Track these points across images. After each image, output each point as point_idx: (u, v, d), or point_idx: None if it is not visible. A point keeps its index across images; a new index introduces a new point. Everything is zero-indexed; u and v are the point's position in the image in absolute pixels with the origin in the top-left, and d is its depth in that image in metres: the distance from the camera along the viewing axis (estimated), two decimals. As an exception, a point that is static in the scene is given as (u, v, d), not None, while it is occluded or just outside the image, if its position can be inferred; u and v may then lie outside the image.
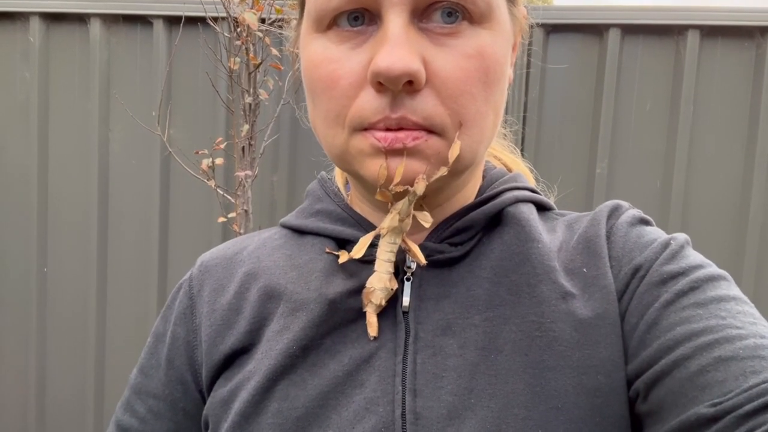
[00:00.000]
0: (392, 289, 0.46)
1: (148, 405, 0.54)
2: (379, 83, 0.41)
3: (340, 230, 0.52)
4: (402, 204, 0.45)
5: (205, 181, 1.62)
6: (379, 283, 0.46)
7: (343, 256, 0.49)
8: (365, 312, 0.47)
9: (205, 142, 1.78)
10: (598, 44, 1.93)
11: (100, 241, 2.05)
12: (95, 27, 1.99)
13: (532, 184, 0.57)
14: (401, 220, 0.45)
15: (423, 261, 0.47)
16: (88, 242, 2.05)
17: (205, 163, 1.58)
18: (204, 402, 0.52)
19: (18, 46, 2.02)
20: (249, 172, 1.56)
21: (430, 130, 0.42)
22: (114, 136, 2.04)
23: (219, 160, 1.62)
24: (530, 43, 1.90)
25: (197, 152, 1.65)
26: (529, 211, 0.51)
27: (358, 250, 0.48)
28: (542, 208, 0.55)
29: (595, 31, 1.92)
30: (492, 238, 0.50)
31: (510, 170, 0.59)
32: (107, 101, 2.02)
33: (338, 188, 0.56)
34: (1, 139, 2.06)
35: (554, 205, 0.56)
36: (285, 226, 0.56)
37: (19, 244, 2.08)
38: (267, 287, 0.51)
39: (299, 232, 0.55)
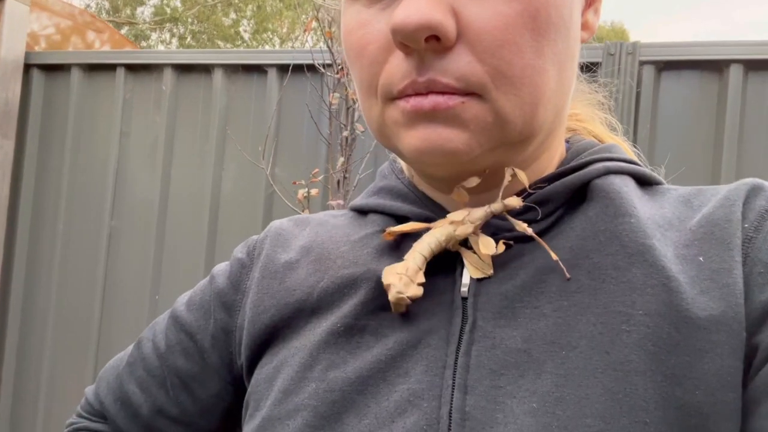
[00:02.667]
0: (413, 294, 0.41)
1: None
2: (403, 43, 0.36)
3: (399, 206, 0.48)
4: (479, 212, 0.41)
5: (299, 211, 1.67)
6: (397, 278, 0.40)
7: (387, 233, 0.45)
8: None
9: (305, 176, 1.85)
10: (717, 81, 1.80)
11: (206, 272, 2.17)
12: (218, 76, 2.19)
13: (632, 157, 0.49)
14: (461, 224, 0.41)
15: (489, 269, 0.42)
16: (197, 273, 2.17)
17: (301, 193, 1.64)
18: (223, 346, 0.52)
19: (152, 94, 2.27)
20: (341, 201, 1.59)
21: (467, 92, 0.37)
22: (226, 175, 2.19)
23: (314, 191, 1.67)
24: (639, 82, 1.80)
25: (294, 183, 1.72)
26: (623, 183, 0.43)
27: (401, 230, 0.44)
28: (644, 182, 0.46)
29: (714, 67, 1.79)
30: (574, 216, 0.42)
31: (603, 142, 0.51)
32: (223, 142, 2.19)
33: (404, 166, 0.53)
34: (131, 174, 2.28)
35: (662, 180, 0.47)
36: (351, 209, 0.54)
37: (135, 272, 2.25)
38: (318, 262, 0.48)
39: (362, 212, 0.52)
